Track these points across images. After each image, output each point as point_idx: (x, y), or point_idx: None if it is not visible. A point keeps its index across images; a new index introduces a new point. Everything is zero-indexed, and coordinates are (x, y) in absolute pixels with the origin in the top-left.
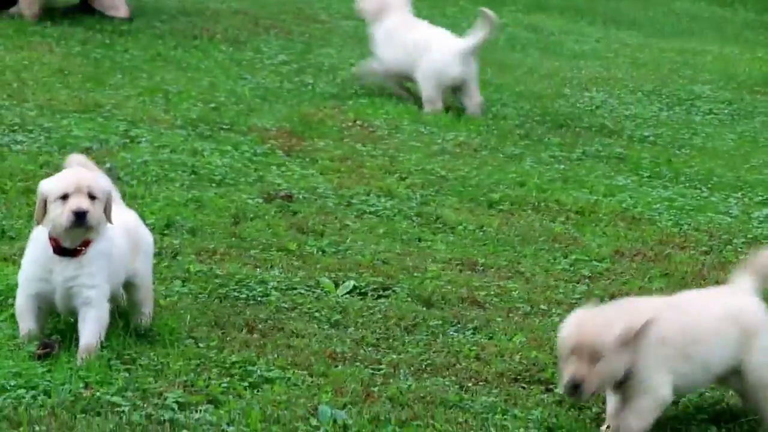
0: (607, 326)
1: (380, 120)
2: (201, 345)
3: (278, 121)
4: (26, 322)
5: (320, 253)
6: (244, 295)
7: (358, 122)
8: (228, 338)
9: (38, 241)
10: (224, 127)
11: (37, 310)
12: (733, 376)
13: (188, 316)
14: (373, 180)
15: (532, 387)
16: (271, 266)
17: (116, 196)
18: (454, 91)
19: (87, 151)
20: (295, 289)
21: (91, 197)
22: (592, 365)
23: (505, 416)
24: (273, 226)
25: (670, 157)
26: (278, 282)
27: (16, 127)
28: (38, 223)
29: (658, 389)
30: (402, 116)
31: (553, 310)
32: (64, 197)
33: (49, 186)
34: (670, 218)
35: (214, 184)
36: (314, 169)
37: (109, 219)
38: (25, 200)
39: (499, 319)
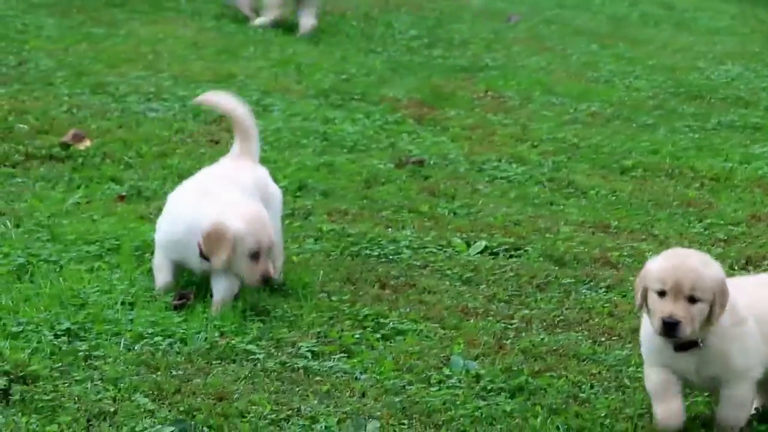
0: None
1: (511, 91)
2: (334, 299)
3: (409, 92)
4: (163, 275)
5: (451, 214)
6: (375, 253)
7: (489, 93)
8: (360, 293)
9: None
10: (355, 97)
11: (172, 265)
12: None
13: (321, 272)
14: (504, 147)
15: None
16: (403, 227)
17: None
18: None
19: (220, 119)
20: (427, 248)
21: None
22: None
23: (639, 369)
24: (404, 189)
25: None
26: (410, 241)
27: (151, 96)
28: None
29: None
30: (534, 87)
31: None
32: None
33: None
34: None
35: (345, 150)
36: (445, 136)
37: None
38: (160, 164)
39: (632, 279)
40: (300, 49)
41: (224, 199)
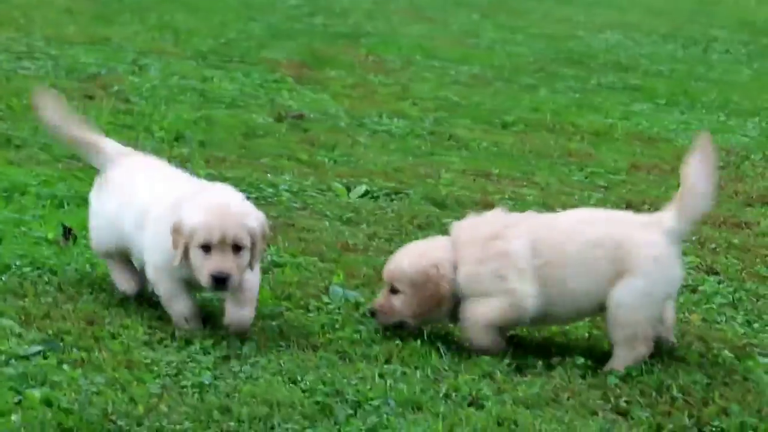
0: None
1: (392, 55)
2: None
3: (289, 54)
4: (183, 303)
5: (331, 162)
6: (254, 196)
7: (370, 57)
8: None
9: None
10: (234, 59)
11: (184, 285)
12: None
13: None
14: (385, 105)
15: None
16: (282, 173)
17: None
18: None
19: (95, 77)
20: (306, 191)
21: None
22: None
23: None
24: (284, 141)
25: (686, 88)
26: (289, 185)
27: (22, 55)
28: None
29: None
30: (414, 51)
31: None
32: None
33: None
34: (687, 139)
35: (223, 106)
36: (326, 94)
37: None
38: (31, 116)
39: None
40: (177, 16)
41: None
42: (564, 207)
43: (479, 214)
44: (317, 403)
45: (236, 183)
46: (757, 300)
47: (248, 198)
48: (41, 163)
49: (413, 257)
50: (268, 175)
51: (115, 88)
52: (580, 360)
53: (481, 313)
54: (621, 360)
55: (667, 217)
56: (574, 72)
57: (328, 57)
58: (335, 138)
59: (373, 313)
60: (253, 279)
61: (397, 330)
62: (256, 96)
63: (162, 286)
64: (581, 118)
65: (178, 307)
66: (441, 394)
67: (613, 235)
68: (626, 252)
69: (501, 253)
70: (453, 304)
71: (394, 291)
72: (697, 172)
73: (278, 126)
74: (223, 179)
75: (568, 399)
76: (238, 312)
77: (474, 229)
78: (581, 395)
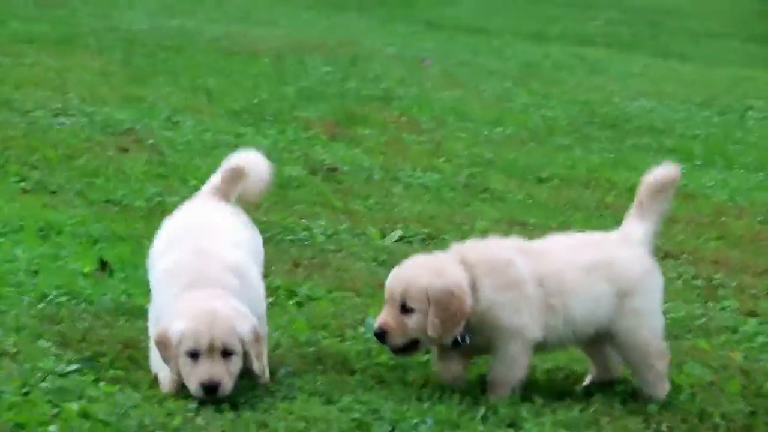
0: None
1: (426, 117)
2: None
3: (322, 114)
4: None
5: (366, 209)
6: (289, 238)
7: (403, 118)
8: (272, 268)
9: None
10: (267, 118)
11: None
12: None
13: None
14: (419, 160)
15: None
16: (316, 218)
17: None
18: None
19: (130, 132)
20: (341, 235)
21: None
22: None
23: None
24: (318, 191)
25: (723, 150)
26: (324, 229)
27: (58, 112)
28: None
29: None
30: (447, 114)
31: None
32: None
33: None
34: (725, 195)
35: None
36: (359, 149)
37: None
38: (66, 165)
39: None
40: (210, 79)
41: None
42: None
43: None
44: (354, 419)
45: (270, 227)
46: None
47: (282, 241)
48: (76, 206)
49: (431, 275)
50: (303, 220)
51: (150, 141)
52: (620, 387)
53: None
54: (649, 384)
55: (633, 228)
56: (609, 134)
57: (360, 117)
58: (369, 189)
59: (382, 334)
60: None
61: (408, 352)
62: (290, 150)
63: None
64: (617, 174)
65: None
66: (479, 416)
67: (604, 257)
68: (619, 272)
69: (517, 281)
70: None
71: (406, 310)
72: (655, 179)
73: (312, 178)
74: (259, 223)
75: (608, 423)
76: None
77: (484, 251)
78: (621, 420)
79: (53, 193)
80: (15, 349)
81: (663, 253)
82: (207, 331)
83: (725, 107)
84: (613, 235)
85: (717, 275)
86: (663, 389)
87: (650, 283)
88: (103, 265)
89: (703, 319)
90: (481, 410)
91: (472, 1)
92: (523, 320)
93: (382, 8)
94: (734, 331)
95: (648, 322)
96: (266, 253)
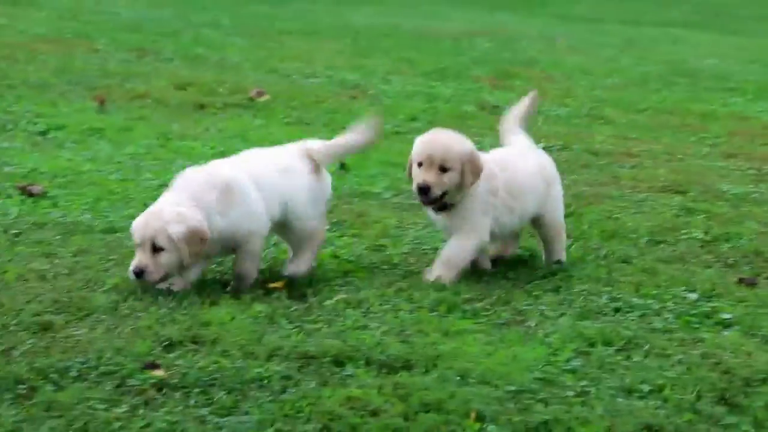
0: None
1: (558, 72)
2: None
3: (487, 72)
4: None
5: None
6: None
7: (542, 73)
8: None
9: None
10: (449, 76)
11: None
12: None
13: None
14: (554, 100)
15: None
16: (485, 137)
17: None
18: None
19: (356, 86)
20: None
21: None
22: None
23: None
24: (486, 121)
25: None
26: (490, 146)
27: (309, 75)
28: None
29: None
30: (573, 71)
31: None
32: None
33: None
34: None
35: (443, 102)
36: (513, 93)
37: None
38: (315, 107)
39: None
40: (410, 53)
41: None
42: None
43: None
44: None
45: None
46: None
47: None
48: (322, 133)
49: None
50: (477, 138)
51: (371, 92)
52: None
53: None
54: (558, 252)
55: (525, 140)
56: (687, 80)
57: (513, 74)
58: None
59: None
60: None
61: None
62: (465, 95)
63: None
64: (693, 106)
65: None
66: None
67: (541, 162)
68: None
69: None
70: None
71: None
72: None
73: (481, 112)
74: None
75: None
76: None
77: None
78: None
79: (307, 124)
80: None
81: (727, 154)
82: (141, 228)
83: None
84: (525, 141)
85: (764, 167)
86: (565, 254)
87: (558, 176)
88: (342, 165)
89: (755, 195)
90: None
91: (588, 0)
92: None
93: (526, 6)
94: None
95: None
96: None
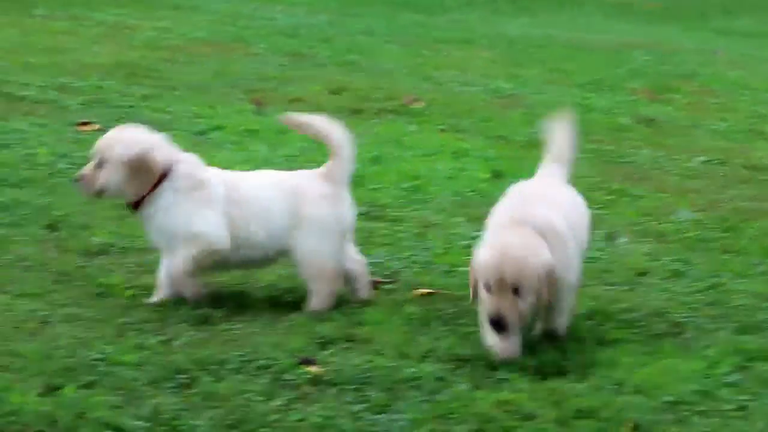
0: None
1: (717, 87)
2: None
3: (644, 84)
4: None
5: (674, 144)
6: (620, 160)
7: (701, 88)
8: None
9: None
10: (605, 88)
11: None
12: None
13: None
14: (713, 115)
15: None
16: (641, 148)
17: None
18: None
19: (511, 95)
20: (658, 160)
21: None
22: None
23: None
24: (643, 133)
25: None
26: (645, 156)
27: (463, 84)
28: None
29: None
30: (733, 86)
31: None
32: None
33: None
34: None
35: (597, 112)
36: (671, 107)
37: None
38: (469, 115)
39: None
40: (565, 64)
41: None
42: None
43: None
44: None
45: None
46: None
47: (614, 161)
48: (477, 139)
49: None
50: (631, 149)
51: (525, 101)
52: None
53: None
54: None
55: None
56: None
57: (671, 87)
58: (676, 132)
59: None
60: None
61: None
62: (621, 108)
63: None
64: None
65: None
66: None
67: None
68: None
69: None
70: None
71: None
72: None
73: (638, 125)
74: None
75: None
76: None
77: None
78: None
79: (461, 131)
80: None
81: None
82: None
83: None
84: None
85: None
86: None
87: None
88: (496, 174)
89: None
90: None
91: (751, 15)
92: None
93: (685, 20)
94: None
95: None
96: (600, 170)
